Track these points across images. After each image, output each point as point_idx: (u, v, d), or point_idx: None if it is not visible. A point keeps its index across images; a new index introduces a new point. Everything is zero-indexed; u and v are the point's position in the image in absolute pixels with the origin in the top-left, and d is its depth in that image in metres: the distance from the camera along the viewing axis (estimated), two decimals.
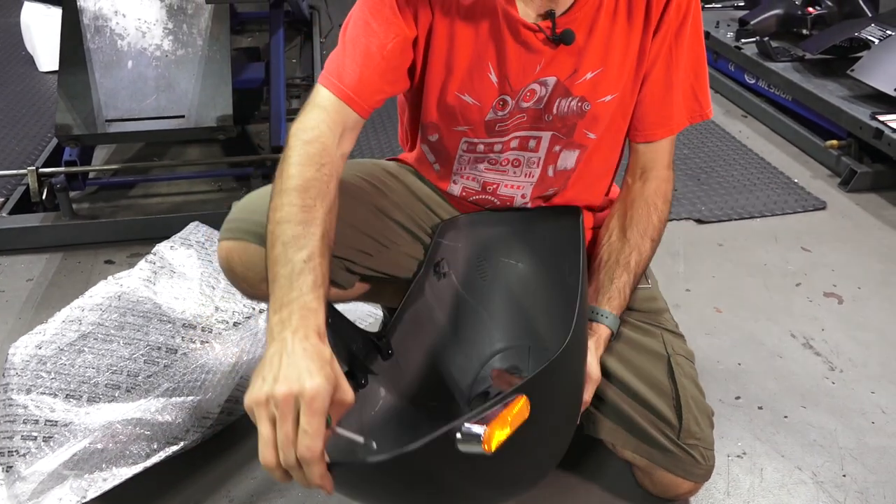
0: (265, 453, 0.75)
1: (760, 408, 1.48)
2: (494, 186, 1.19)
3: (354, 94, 0.99)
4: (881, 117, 2.31)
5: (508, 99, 1.09)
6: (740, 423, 1.44)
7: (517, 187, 1.19)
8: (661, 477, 1.15)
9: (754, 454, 1.37)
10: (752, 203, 2.26)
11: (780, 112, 2.75)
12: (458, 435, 0.75)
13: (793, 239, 2.08)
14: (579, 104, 1.10)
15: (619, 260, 1.15)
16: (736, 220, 2.18)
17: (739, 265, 1.96)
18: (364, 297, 1.31)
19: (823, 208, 2.24)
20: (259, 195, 1.06)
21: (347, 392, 0.78)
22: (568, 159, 1.17)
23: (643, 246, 1.16)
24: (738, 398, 1.51)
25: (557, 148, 1.15)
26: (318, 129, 0.96)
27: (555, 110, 1.10)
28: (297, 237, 0.85)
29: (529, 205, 1.21)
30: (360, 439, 0.81)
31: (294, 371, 0.75)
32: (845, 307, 1.80)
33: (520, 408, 0.78)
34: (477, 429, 0.74)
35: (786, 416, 1.46)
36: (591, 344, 1.09)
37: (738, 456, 1.37)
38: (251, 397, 0.75)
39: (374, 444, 0.82)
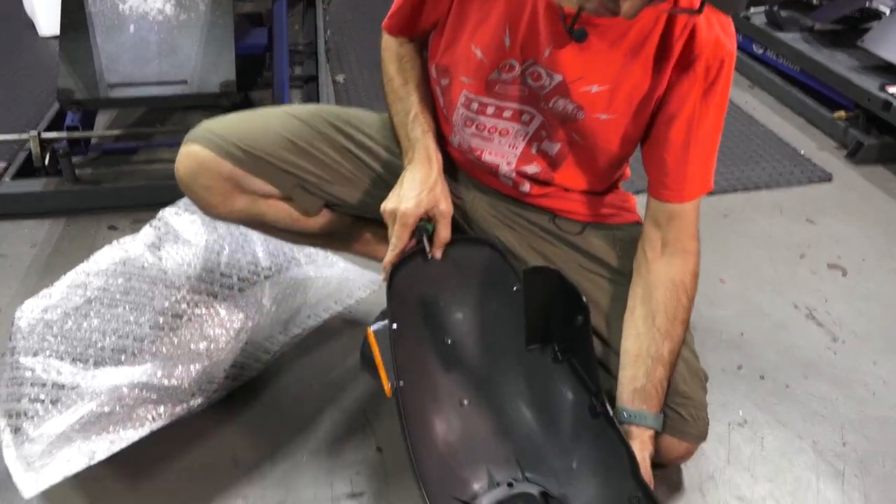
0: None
1: (762, 377, 1.49)
2: (478, 153, 1.19)
3: (387, 29, 1.24)
4: (890, 89, 2.28)
5: (516, 64, 1.08)
6: (742, 392, 1.45)
7: (501, 156, 1.19)
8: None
9: (755, 423, 1.38)
10: (757, 174, 2.24)
11: (788, 83, 2.72)
12: None
13: (798, 211, 2.08)
14: (574, 111, 1.09)
15: (652, 353, 1.08)
16: (741, 191, 2.17)
17: (744, 237, 1.95)
18: (350, 245, 1.37)
19: (829, 180, 2.23)
20: (229, 116, 1.21)
21: (444, 208, 1.10)
22: (551, 147, 1.16)
23: (675, 332, 1.09)
24: (740, 368, 1.51)
25: (544, 133, 1.15)
26: (392, 45, 1.24)
27: (550, 104, 1.10)
28: (405, 109, 1.18)
29: (514, 175, 1.20)
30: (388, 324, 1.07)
31: (402, 195, 1.08)
32: (849, 279, 1.80)
33: None
34: None
35: (787, 386, 1.47)
36: (636, 447, 1.04)
37: (740, 425, 1.38)
38: (382, 207, 1.09)
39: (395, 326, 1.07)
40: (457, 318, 1.19)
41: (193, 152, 1.15)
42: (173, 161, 1.19)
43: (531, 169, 1.18)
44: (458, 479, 1.14)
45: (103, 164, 2.19)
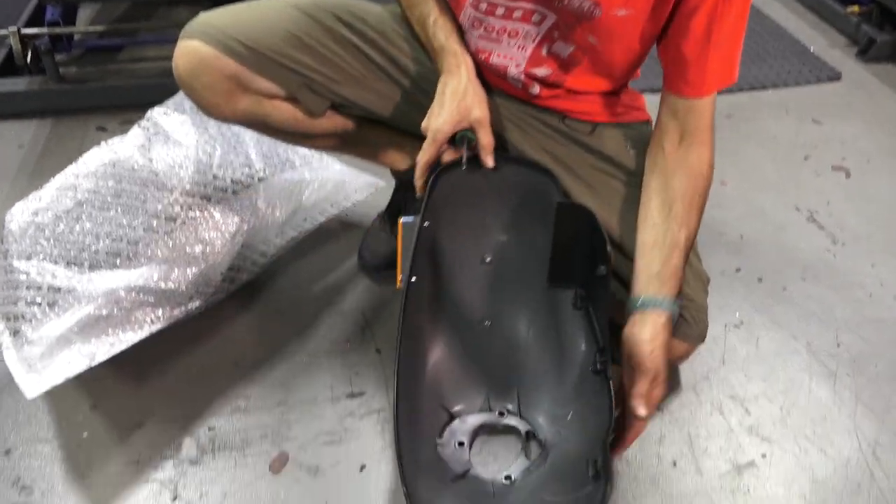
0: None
1: (760, 279, 1.49)
2: (485, 55, 1.14)
3: None
4: None
5: None
6: (739, 294, 1.45)
7: (509, 58, 1.13)
8: None
9: (751, 324, 1.39)
10: (764, 73, 2.18)
11: None
12: None
13: (804, 111, 2.03)
14: (591, 8, 1.02)
15: (668, 240, 1.06)
16: (747, 90, 2.11)
17: (748, 138, 1.92)
18: (352, 148, 1.32)
19: (838, 79, 2.17)
20: (228, 9, 1.12)
21: (477, 115, 1.07)
22: (563, 49, 1.11)
23: (691, 220, 1.07)
24: (738, 270, 1.51)
25: (556, 34, 1.09)
26: None
27: (565, 2, 1.03)
28: (424, 14, 1.14)
29: (523, 78, 1.15)
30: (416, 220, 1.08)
31: (432, 111, 1.08)
32: (853, 181, 1.78)
33: None
34: None
35: (785, 288, 1.47)
36: (648, 332, 1.01)
37: (736, 326, 1.39)
38: (422, 126, 1.08)
39: (426, 224, 1.07)
40: (499, 240, 1.17)
41: (194, 48, 1.08)
42: (160, 59, 1.14)
43: (541, 72, 1.14)
44: (454, 390, 1.16)
45: (88, 62, 2.12)
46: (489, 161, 1.09)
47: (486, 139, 1.08)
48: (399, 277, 1.06)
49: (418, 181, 1.09)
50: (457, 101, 1.07)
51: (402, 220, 1.10)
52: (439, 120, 1.06)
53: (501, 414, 1.16)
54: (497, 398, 1.17)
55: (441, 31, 1.12)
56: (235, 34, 1.08)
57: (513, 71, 1.14)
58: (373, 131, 1.30)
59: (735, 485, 1.12)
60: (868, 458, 1.16)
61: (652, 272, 1.06)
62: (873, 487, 1.12)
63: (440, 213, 1.10)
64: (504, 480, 1.09)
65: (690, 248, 1.10)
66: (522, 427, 1.15)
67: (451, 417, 1.15)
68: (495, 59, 1.14)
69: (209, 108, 1.13)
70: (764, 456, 1.16)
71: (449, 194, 1.10)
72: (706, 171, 1.10)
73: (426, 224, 1.07)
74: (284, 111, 1.17)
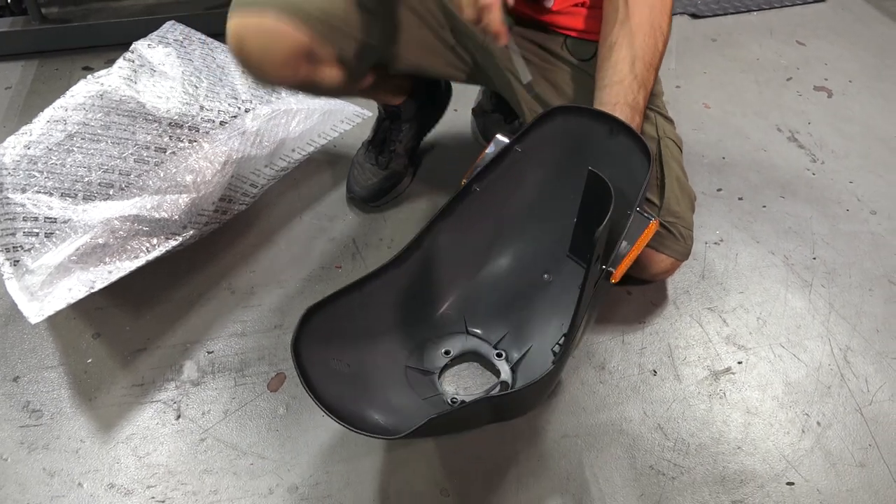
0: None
1: (741, 199, 1.53)
2: None
3: None
4: None
5: None
6: (720, 213, 1.49)
7: None
8: (641, 254, 1.19)
9: (731, 241, 1.43)
10: None
11: None
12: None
13: (789, 33, 2.03)
14: None
15: (630, 101, 1.07)
16: (732, 13, 2.10)
17: (732, 60, 1.92)
18: (365, 92, 1.32)
19: (824, 0, 2.16)
20: None
21: None
22: None
23: (649, 80, 1.10)
24: (719, 190, 1.54)
25: None
26: None
27: None
28: None
29: None
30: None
31: None
32: (834, 101, 1.79)
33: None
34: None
35: (764, 206, 1.51)
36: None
37: (716, 243, 1.43)
38: (466, 18, 0.96)
39: (518, 149, 1.09)
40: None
41: (265, 26, 1.01)
42: None
43: None
44: (482, 313, 1.18)
45: (70, 1, 2.09)
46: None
47: None
48: (464, 179, 1.09)
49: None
50: None
51: (497, 135, 1.11)
52: None
53: (500, 356, 1.17)
54: (510, 341, 1.18)
55: None
56: (307, 7, 1.03)
57: None
58: (379, 74, 1.29)
59: (712, 389, 1.18)
60: (839, 362, 1.22)
61: None
62: (843, 389, 1.18)
63: (541, 148, 1.09)
64: (450, 402, 1.11)
65: (645, 109, 1.11)
66: (505, 376, 1.15)
67: (466, 332, 1.18)
68: None
69: (274, 81, 1.08)
70: (740, 363, 1.22)
71: (561, 136, 1.08)
72: (665, 27, 1.09)
73: (518, 149, 1.08)
74: (335, 75, 1.15)
